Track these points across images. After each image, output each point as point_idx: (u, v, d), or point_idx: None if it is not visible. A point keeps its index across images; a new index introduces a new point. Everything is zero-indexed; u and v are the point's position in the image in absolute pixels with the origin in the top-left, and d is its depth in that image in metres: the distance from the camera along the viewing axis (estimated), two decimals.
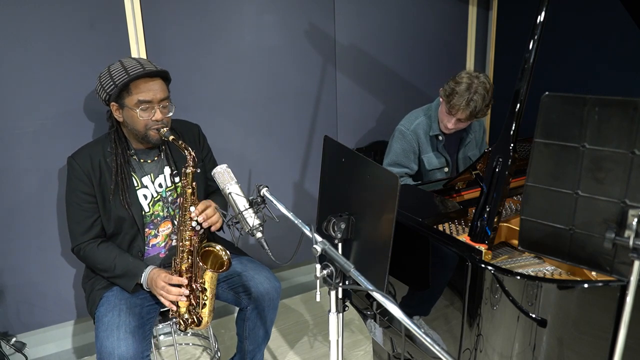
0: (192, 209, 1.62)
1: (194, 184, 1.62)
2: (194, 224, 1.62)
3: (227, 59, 2.32)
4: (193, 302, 1.67)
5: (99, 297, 1.67)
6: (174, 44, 2.19)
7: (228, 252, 1.65)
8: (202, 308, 1.67)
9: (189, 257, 1.65)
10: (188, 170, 1.60)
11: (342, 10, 2.53)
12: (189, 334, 2.44)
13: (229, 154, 2.40)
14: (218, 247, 1.67)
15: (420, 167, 2.26)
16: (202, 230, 1.67)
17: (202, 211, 1.62)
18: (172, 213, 1.79)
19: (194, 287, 1.66)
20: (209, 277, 1.64)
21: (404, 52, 2.77)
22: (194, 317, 1.68)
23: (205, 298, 1.66)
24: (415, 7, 2.73)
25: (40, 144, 2.02)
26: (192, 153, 1.59)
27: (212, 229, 1.68)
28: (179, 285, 1.62)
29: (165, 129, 1.62)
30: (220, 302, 1.93)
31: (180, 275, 1.64)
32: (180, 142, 1.60)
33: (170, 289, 1.60)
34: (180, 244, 1.65)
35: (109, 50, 2.03)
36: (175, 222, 1.79)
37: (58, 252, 2.16)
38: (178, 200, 1.76)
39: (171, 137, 1.60)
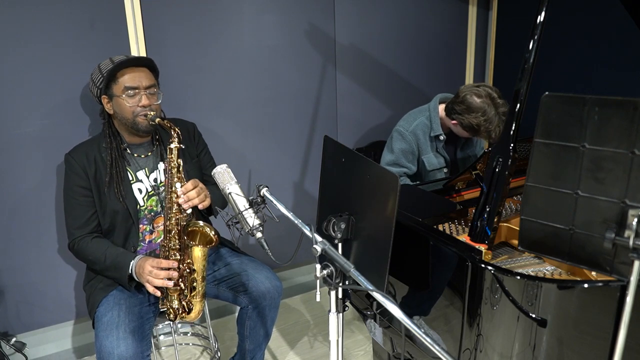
0: (177, 185, 1.61)
1: (179, 160, 1.62)
2: (180, 200, 1.61)
3: (227, 59, 2.32)
4: (182, 285, 1.63)
5: (99, 299, 1.67)
6: (174, 44, 2.18)
7: (213, 227, 1.65)
8: (192, 292, 1.65)
9: (176, 237, 1.63)
10: (172, 146, 1.61)
11: (342, 10, 2.53)
12: (188, 334, 2.44)
13: (229, 154, 2.40)
14: (201, 223, 1.66)
15: (420, 167, 2.26)
16: (190, 209, 1.65)
17: (189, 190, 1.61)
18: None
19: (181, 267, 1.62)
20: (197, 256, 1.63)
21: (404, 52, 2.76)
22: (184, 303, 1.65)
23: (195, 281, 1.64)
24: (415, 7, 2.73)
25: (40, 144, 2.02)
26: (177, 130, 1.60)
27: (200, 206, 1.65)
28: (169, 269, 1.59)
29: (152, 113, 1.64)
30: (220, 302, 1.93)
31: (168, 259, 1.62)
32: (166, 121, 1.62)
33: (158, 273, 1.57)
34: (167, 223, 1.63)
35: (109, 50, 2.02)
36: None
37: (58, 252, 2.16)
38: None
39: (157, 120, 1.62)
